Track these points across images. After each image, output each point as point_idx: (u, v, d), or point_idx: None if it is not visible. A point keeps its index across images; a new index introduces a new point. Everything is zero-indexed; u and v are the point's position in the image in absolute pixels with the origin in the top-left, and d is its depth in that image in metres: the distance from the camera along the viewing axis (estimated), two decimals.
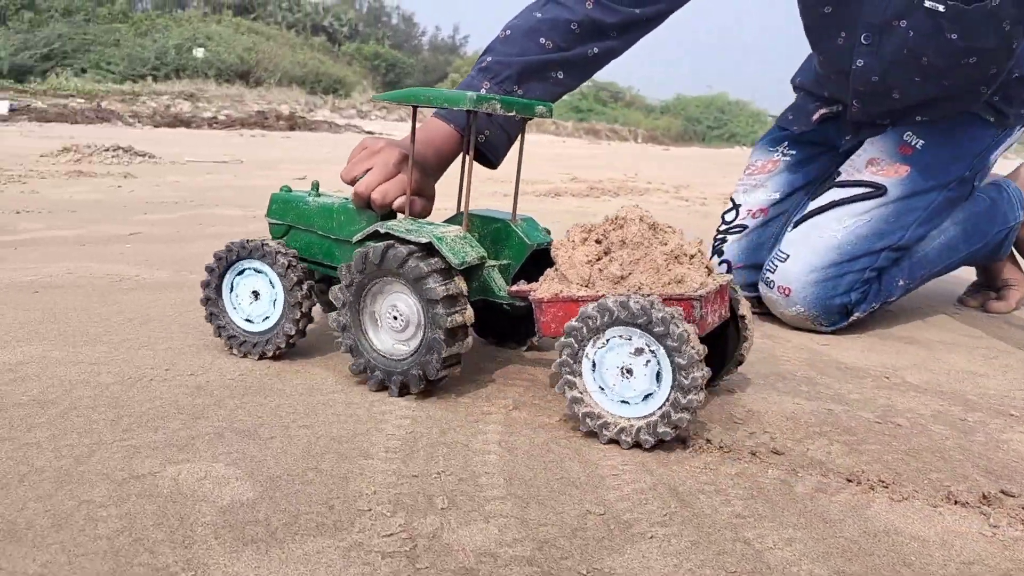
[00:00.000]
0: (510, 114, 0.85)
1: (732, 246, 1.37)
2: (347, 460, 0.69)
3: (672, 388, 0.72)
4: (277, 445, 0.72)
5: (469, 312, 0.82)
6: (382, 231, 0.84)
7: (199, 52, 19.42)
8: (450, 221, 0.92)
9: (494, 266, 0.91)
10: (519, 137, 0.96)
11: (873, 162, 1.26)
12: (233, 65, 19.52)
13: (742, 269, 1.36)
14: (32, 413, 0.75)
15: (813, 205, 1.27)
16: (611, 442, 0.76)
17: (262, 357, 0.94)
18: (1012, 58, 1.17)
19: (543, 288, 0.82)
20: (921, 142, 1.25)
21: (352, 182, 0.95)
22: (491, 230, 0.94)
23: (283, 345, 0.93)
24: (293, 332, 0.92)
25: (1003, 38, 1.12)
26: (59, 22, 20.72)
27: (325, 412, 0.80)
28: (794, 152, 1.41)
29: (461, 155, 0.96)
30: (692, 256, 0.79)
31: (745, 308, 0.87)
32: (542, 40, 1.11)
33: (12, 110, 11.88)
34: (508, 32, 1.12)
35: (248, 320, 0.94)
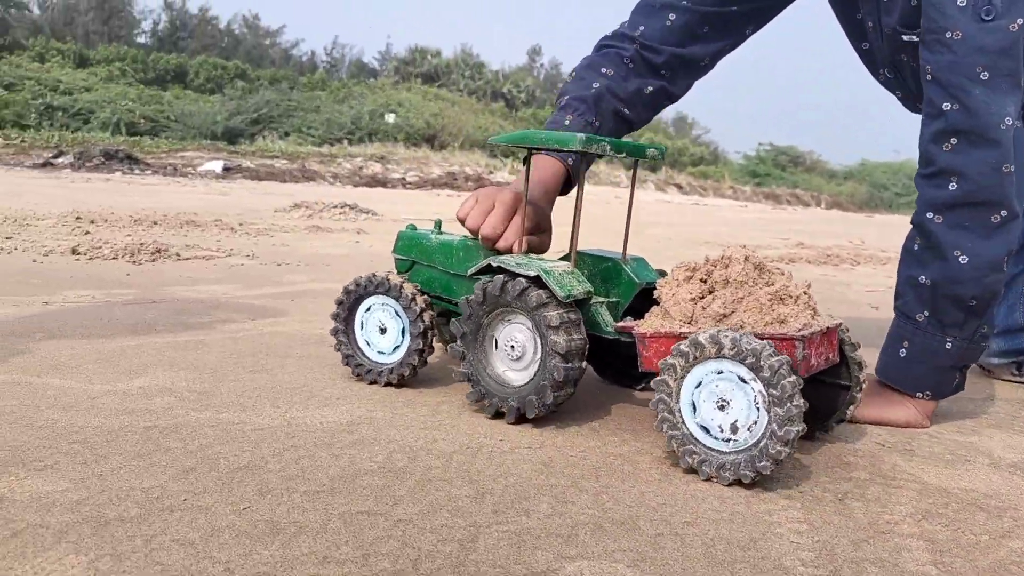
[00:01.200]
0: (620, 156, 0.89)
1: None
2: (764, 574, 0.58)
3: (769, 421, 0.70)
4: (670, 545, 0.61)
5: (583, 338, 0.84)
6: (495, 264, 0.88)
7: (390, 117, 20.57)
8: (564, 258, 0.94)
9: (603, 303, 0.91)
10: (632, 180, 1.00)
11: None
12: (420, 129, 20.52)
13: (997, 336, 1.23)
14: (389, 483, 0.69)
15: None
16: (708, 479, 0.74)
17: (388, 384, 0.98)
18: None
19: (646, 324, 0.83)
20: None
21: (464, 220, 0.99)
22: (601, 268, 0.96)
23: (407, 373, 0.97)
24: (416, 362, 0.96)
25: None
26: (267, 90, 22.61)
27: (698, 505, 0.69)
28: None
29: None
30: (797, 298, 0.79)
31: (859, 356, 0.85)
32: (603, 70, 1.16)
33: (226, 169, 12.98)
34: (575, 73, 1.20)
35: (379, 351, 0.99)
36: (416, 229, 1.04)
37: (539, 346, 0.84)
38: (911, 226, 0.96)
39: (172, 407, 0.86)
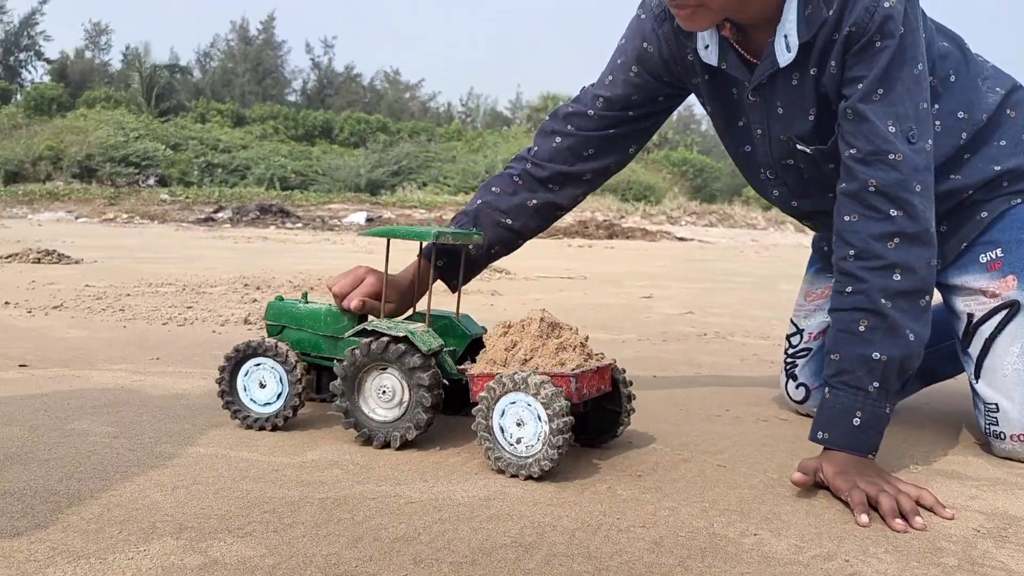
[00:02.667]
0: (458, 244, 1.25)
1: (804, 369, 1.45)
2: None
3: (547, 433, 1.02)
4: None
5: (439, 377, 1.13)
6: (369, 328, 1.14)
7: None
8: (410, 319, 1.23)
9: (447, 351, 1.18)
10: (462, 266, 1.31)
11: (982, 291, 1.25)
12: None
13: (819, 389, 1.39)
14: (520, 557, 0.81)
15: (978, 347, 1.24)
16: (507, 474, 1.04)
17: (273, 428, 1.21)
18: None
19: (474, 367, 1.13)
20: (997, 250, 1.24)
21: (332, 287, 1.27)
22: (440, 324, 1.22)
23: (282, 421, 1.21)
24: (291, 413, 1.21)
25: None
26: (406, 142, 23.67)
27: None
28: None
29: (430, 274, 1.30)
30: (576, 347, 1.10)
31: (631, 390, 1.17)
32: (493, 188, 1.39)
33: (368, 220, 13.64)
34: (478, 187, 1.42)
35: (257, 402, 1.22)
36: (283, 300, 1.30)
37: (406, 388, 1.12)
38: (839, 314, 1.08)
39: (340, 480, 1.02)
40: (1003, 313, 1.22)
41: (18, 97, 27.36)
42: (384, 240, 1.22)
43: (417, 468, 1.07)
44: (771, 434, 1.32)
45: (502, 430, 1.05)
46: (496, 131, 33.75)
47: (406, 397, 1.13)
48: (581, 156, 1.36)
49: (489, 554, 0.82)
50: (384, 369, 1.14)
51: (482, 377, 1.10)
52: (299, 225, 11.87)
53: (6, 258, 3.69)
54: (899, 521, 0.93)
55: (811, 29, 1.11)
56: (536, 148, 1.38)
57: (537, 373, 1.04)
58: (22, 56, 33.69)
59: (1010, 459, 1.22)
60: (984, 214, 1.25)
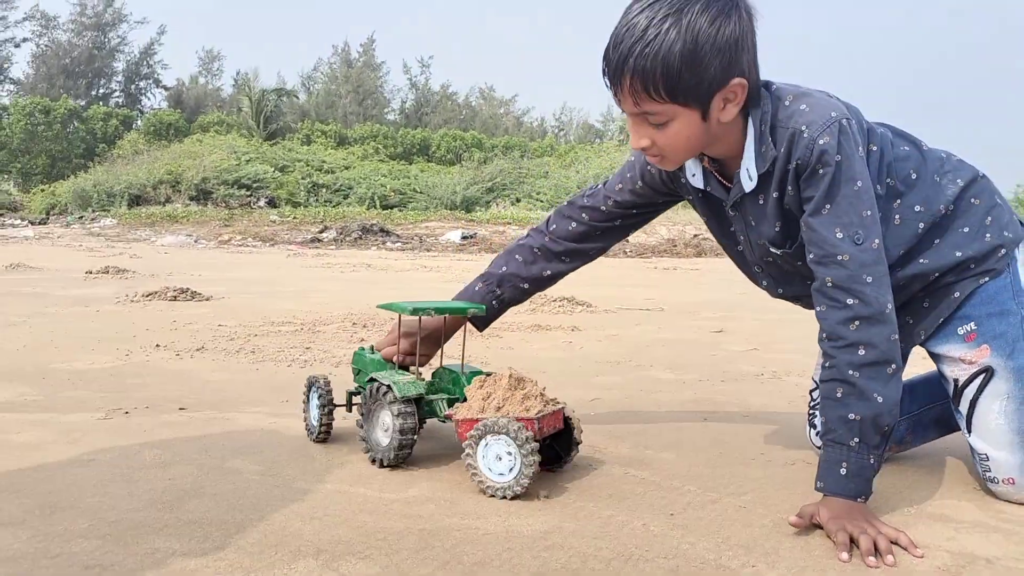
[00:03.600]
0: (443, 315, 1.63)
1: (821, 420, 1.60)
2: None
3: (520, 464, 1.37)
4: None
5: (414, 417, 1.50)
6: (375, 376, 1.55)
7: None
8: (435, 374, 1.64)
9: (444, 398, 1.56)
10: (464, 338, 1.73)
11: (961, 359, 1.46)
12: None
13: None
14: None
15: (964, 408, 1.46)
16: (492, 496, 1.39)
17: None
18: None
19: (458, 412, 1.48)
20: (971, 323, 1.45)
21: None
22: (450, 376, 1.59)
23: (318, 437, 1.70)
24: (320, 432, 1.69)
25: None
26: (500, 159, 24.16)
27: None
28: None
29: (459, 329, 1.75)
30: (537, 396, 1.46)
31: (579, 427, 1.53)
32: (516, 256, 1.75)
33: (464, 237, 14.08)
34: (501, 253, 1.79)
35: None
36: (363, 350, 1.73)
37: (393, 422, 1.49)
38: (824, 382, 1.34)
39: (433, 513, 1.32)
40: (981, 377, 1.44)
41: (139, 123, 29.29)
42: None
43: (493, 505, 1.36)
44: (794, 478, 1.56)
45: (485, 461, 1.41)
46: (588, 143, 33.99)
47: (393, 429, 1.50)
48: (590, 238, 1.73)
49: None
50: (383, 407, 1.53)
51: (465, 422, 1.45)
52: (398, 244, 12.43)
53: (146, 296, 4.20)
54: (872, 559, 1.17)
55: (765, 163, 1.38)
56: (555, 226, 1.73)
57: (510, 417, 1.40)
58: (142, 84, 36.00)
59: (1007, 500, 1.42)
60: (957, 293, 1.47)
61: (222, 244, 11.66)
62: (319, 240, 12.59)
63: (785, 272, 1.54)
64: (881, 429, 1.30)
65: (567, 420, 1.51)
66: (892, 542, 1.22)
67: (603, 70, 1.34)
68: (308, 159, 22.15)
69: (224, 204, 18.25)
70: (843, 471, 1.29)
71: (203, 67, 37.03)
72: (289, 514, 1.31)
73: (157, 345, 2.82)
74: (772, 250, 1.48)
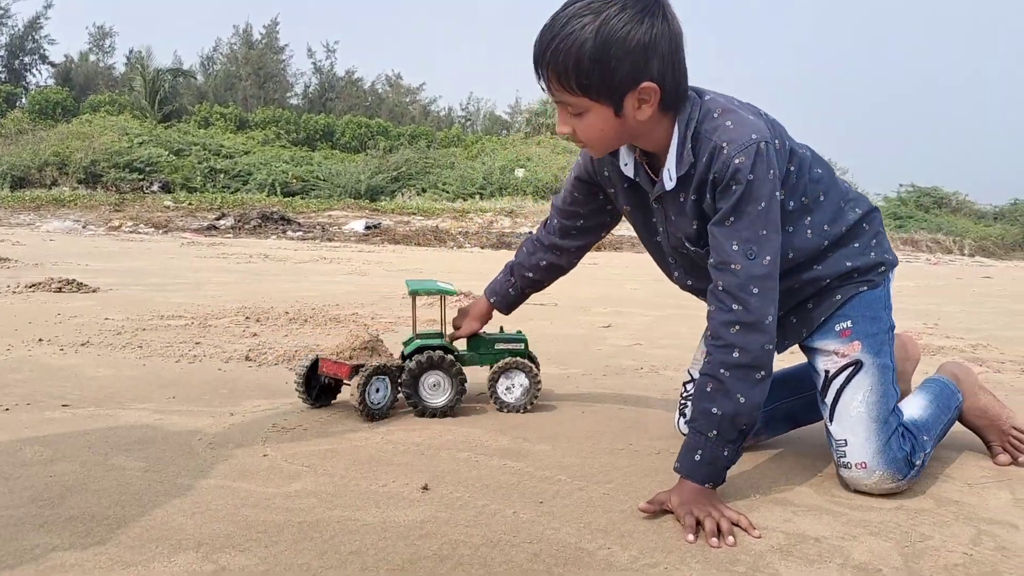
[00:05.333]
0: (436, 295, 2.10)
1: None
2: None
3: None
4: None
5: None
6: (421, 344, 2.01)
7: (519, 172, 21.42)
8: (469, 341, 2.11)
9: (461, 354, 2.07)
10: (442, 309, 2.48)
11: (835, 352, 1.61)
12: (548, 183, 21.24)
13: None
14: (435, 565, 1.17)
15: (831, 395, 1.60)
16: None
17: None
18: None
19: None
20: (848, 322, 1.61)
21: None
22: (480, 341, 2.10)
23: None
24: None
25: None
26: (406, 148, 24.00)
27: None
28: None
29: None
30: (378, 351, 2.01)
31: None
32: (524, 248, 2.01)
33: (367, 228, 13.97)
34: (525, 241, 2.02)
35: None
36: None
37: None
38: (700, 375, 1.47)
39: (314, 507, 1.38)
40: (850, 369, 1.59)
41: (23, 101, 27.76)
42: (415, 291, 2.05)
43: (373, 498, 1.43)
44: (657, 466, 1.68)
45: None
46: (495, 135, 34.11)
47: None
48: (568, 235, 1.92)
49: (416, 563, 1.18)
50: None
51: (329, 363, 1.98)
52: (299, 233, 12.24)
53: (29, 287, 4.06)
54: (714, 540, 1.30)
55: (682, 168, 1.48)
56: (548, 221, 1.97)
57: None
58: (27, 60, 34.08)
59: (856, 487, 1.56)
60: (839, 296, 1.63)
61: (112, 230, 11.24)
62: (216, 228, 12.28)
63: (696, 265, 1.63)
64: (739, 427, 1.43)
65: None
66: (734, 524, 1.35)
67: (533, 63, 1.44)
68: (205, 143, 21.48)
69: (115, 188, 17.54)
70: (697, 457, 1.42)
71: (94, 43, 35.34)
72: (171, 509, 1.35)
73: (40, 339, 2.76)
74: (687, 245, 1.59)
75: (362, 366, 1.92)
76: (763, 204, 1.44)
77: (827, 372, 1.63)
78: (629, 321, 3.75)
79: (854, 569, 1.23)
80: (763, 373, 1.44)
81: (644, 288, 5.63)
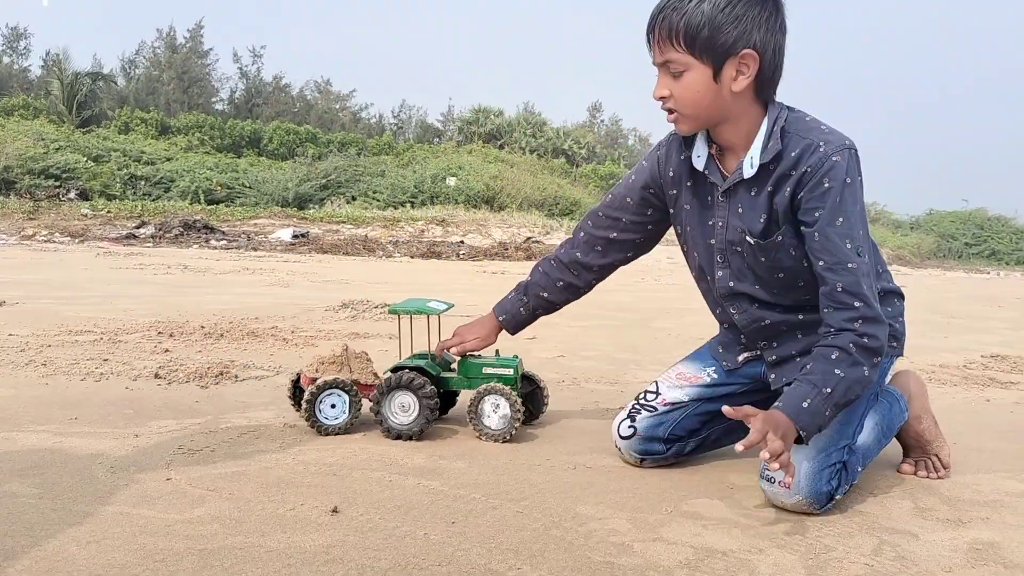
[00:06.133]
0: (423, 314, 1.99)
1: (643, 420, 1.80)
2: None
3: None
4: None
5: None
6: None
7: (451, 181, 21.35)
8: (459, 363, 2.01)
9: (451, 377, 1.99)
10: (427, 331, 2.19)
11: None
12: (480, 192, 21.23)
13: (641, 438, 1.79)
14: None
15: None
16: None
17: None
18: (811, 277, 1.61)
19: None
20: None
21: None
22: (468, 364, 1.99)
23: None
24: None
25: (794, 260, 1.62)
26: (336, 156, 23.70)
27: None
28: (717, 378, 1.85)
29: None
30: (360, 367, 2.00)
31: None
32: (540, 269, 1.98)
33: (295, 236, 13.74)
34: (541, 260, 2.01)
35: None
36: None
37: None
38: (822, 347, 1.54)
39: (217, 533, 1.34)
40: None
41: None
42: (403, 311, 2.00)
43: (279, 522, 1.40)
44: (572, 481, 1.68)
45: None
46: (427, 143, 33.96)
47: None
48: (594, 249, 1.91)
49: None
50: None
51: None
52: (223, 242, 11.95)
53: None
54: (775, 464, 1.41)
55: (767, 156, 1.56)
56: (574, 237, 1.95)
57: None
58: None
59: (772, 502, 1.57)
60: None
61: (25, 239, 10.79)
62: (135, 236, 11.91)
63: (745, 266, 1.69)
64: (849, 396, 1.52)
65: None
66: (784, 466, 1.43)
67: (646, 31, 1.57)
68: (126, 149, 20.84)
69: (29, 195, 16.86)
70: (805, 404, 1.50)
71: (7, 45, 33.95)
72: (65, 539, 1.29)
73: None
74: (747, 239, 1.64)
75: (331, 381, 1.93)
76: (859, 206, 1.54)
77: None
78: (554, 333, 3.76)
79: None
80: (879, 359, 1.54)
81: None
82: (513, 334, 2.03)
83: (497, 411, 1.92)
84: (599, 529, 1.43)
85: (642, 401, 1.85)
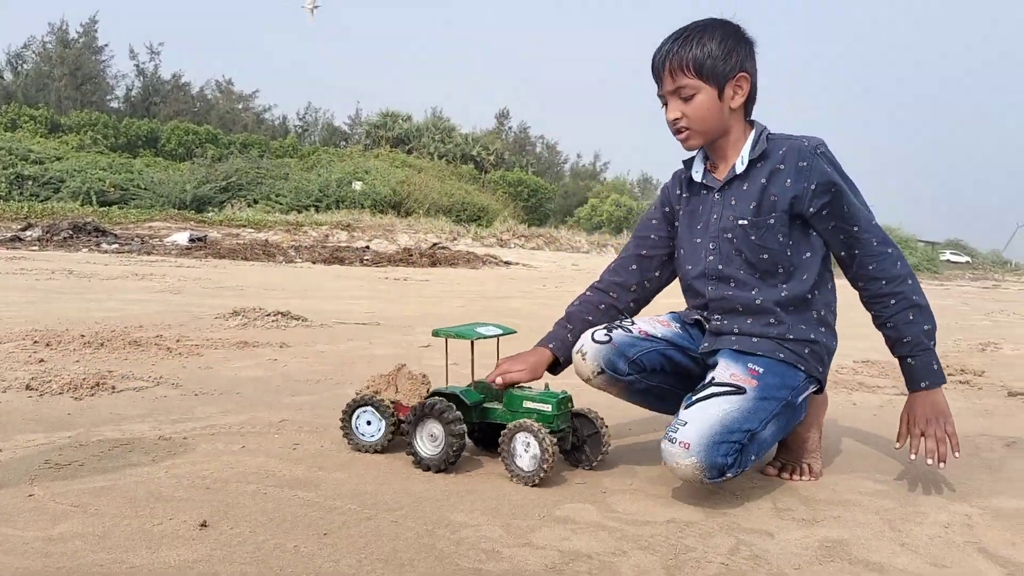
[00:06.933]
0: (460, 339, 1.92)
1: (619, 335, 1.94)
2: None
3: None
4: None
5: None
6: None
7: (357, 185, 21.14)
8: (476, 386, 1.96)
9: (492, 408, 1.90)
10: (472, 356, 2.09)
11: (734, 375, 1.79)
12: (387, 197, 21.08)
13: (614, 348, 1.91)
14: None
15: (701, 394, 1.76)
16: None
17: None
18: (790, 264, 1.85)
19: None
20: (762, 369, 1.81)
21: None
22: (496, 392, 1.93)
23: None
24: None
25: (780, 244, 1.84)
26: (237, 157, 23.12)
27: None
28: (679, 328, 2.03)
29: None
30: (424, 387, 1.92)
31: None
32: (587, 294, 2.09)
33: (192, 240, 13.33)
34: (589, 288, 2.11)
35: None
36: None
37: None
38: (893, 312, 1.84)
39: (78, 550, 1.30)
40: (733, 389, 1.75)
41: None
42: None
43: (145, 538, 1.37)
44: (451, 491, 1.70)
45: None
46: (333, 146, 33.47)
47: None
48: (628, 268, 2.08)
49: None
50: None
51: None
52: (115, 246, 11.50)
53: None
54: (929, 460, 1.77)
55: (756, 154, 1.85)
56: (614, 263, 2.11)
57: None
58: None
59: (668, 461, 1.66)
60: (781, 355, 1.84)
61: None
62: (20, 239, 11.35)
63: (734, 250, 1.88)
64: (934, 332, 1.84)
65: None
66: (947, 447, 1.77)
67: (652, 67, 1.86)
68: (12, 147, 19.83)
69: None
70: (935, 366, 1.81)
71: None
72: None
73: None
74: (739, 223, 1.86)
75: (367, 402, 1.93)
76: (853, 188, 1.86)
77: (713, 379, 1.79)
78: (450, 341, 3.78)
79: None
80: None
81: (470, 305, 5.71)
82: (563, 364, 2.03)
83: (528, 450, 1.76)
84: (471, 536, 1.46)
85: (619, 325, 1.97)
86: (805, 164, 1.80)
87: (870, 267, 1.83)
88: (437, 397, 1.84)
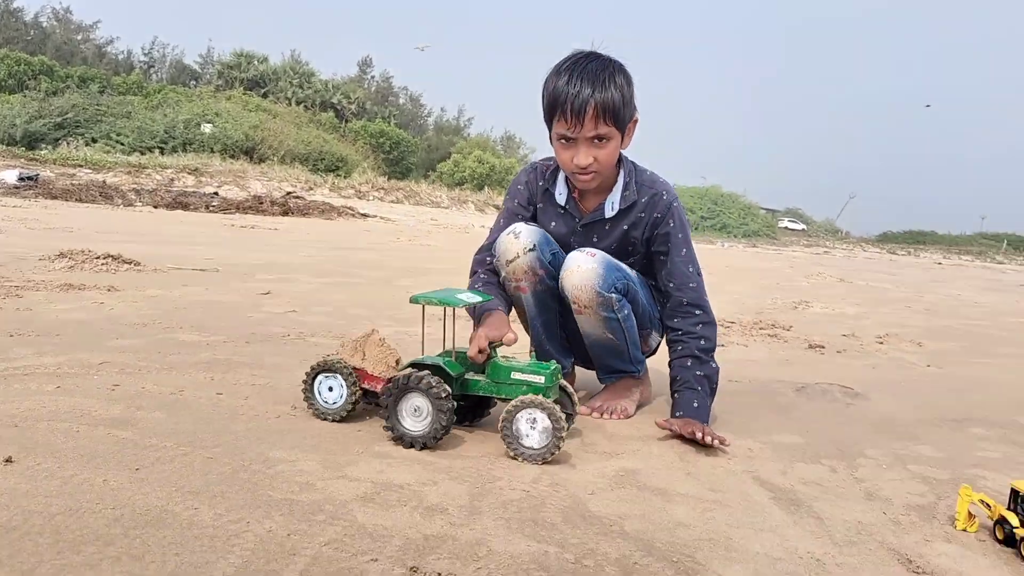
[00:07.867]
0: (447, 306, 1.76)
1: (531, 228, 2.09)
2: None
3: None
4: None
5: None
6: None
7: (206, 128, 20.18)
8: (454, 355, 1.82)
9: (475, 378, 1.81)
10: (443, 321, 2.06)
11: (594, 245, 2.11)
12: (239, 142, 20.25)
13: (542, 233, 2.06)
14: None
15: (586, 247, 2.06)
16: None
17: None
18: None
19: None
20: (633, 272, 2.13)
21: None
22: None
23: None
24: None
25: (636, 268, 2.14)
26: (74, 92, 21.53)
27: None
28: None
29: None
30: (377, 355, 1.87)
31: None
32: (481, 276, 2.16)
33: (21, 179, 12.39)
34: (479, 285, 2.13)
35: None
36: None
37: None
38: (677, 358, 2.09)
39: None
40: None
41: None
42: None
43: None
44: (273, 429, 1.74)
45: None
46: (181, 85, 31.68)
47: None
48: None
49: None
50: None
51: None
52: None
53: None
54: (708, 438, 1.84)
55: (625, 203, 2.05)
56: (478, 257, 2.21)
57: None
58: None
59: (570, 265, 2.05)
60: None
61: None
62: None
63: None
64: (713, 386, 2.04)
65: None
66: (712, 437, 1.86)
67: (568, 109, 1.85)
68: None
69: None
70: (695, 404, 1.98)
71: None
72: None
73: None
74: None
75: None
76: (690, 237, 2.14)
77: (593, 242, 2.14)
78: (291, 288, 3.76)
79: (425, 510, 1.38)
80: (714, 353, 2.08)
81: (320, 255, 5.64)
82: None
83: (535, 427, 1.67)
84: (287, 471, 1.51)
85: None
86: (659, 216, 2.06)
87: (673, 320, 2.10)
88: (423, 369, 1.71)
